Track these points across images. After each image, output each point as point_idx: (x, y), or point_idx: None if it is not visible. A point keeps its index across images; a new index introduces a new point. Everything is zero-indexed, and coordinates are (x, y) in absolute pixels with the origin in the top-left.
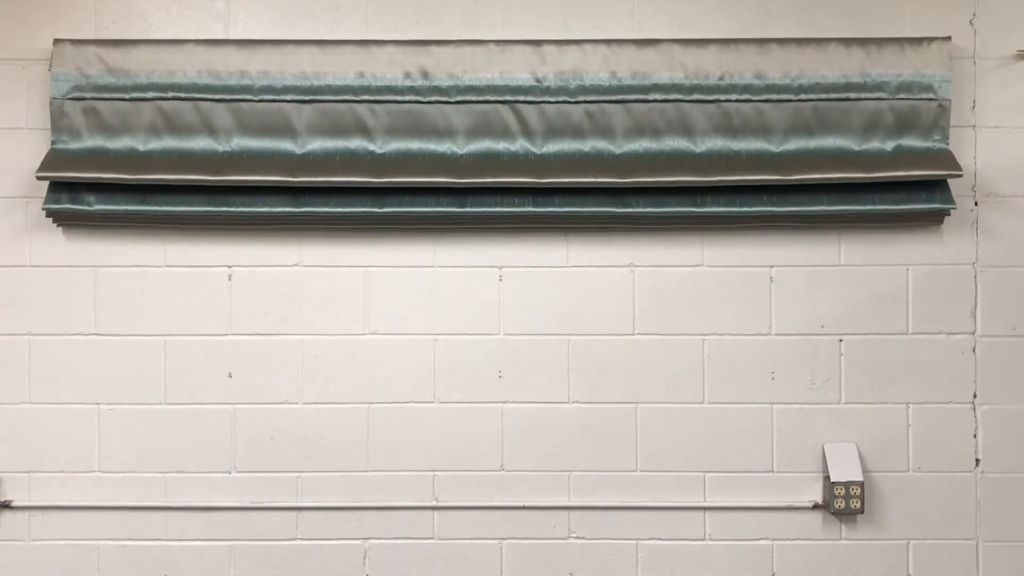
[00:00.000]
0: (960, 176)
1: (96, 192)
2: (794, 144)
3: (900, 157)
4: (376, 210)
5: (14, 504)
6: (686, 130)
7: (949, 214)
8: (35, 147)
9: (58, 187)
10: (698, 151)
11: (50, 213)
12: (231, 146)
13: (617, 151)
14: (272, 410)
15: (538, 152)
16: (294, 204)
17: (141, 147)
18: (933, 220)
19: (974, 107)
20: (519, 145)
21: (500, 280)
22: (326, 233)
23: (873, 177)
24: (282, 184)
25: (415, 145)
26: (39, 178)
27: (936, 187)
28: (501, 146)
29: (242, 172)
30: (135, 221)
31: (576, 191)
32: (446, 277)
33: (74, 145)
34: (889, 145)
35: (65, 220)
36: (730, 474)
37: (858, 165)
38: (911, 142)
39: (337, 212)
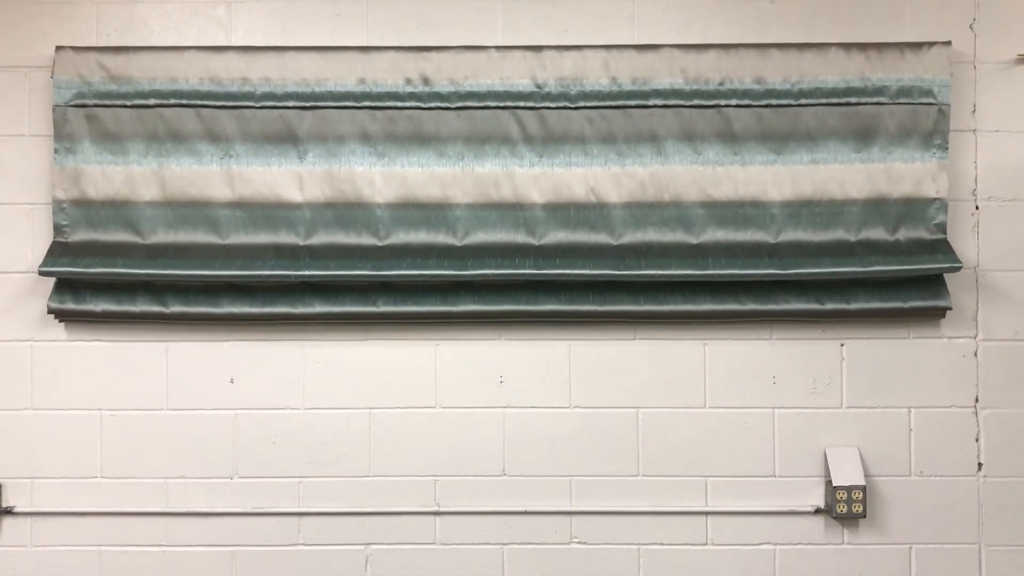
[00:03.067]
0: (944, 202)
1: (99, 294)
2: (794, 150)
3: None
4: (376, 308)
5: (16, 510)
6: (687, 135)
7: (951, 308)
8: (37, 154)
9: (62, 285)
10: (699, 157)
11: (51, 310)
12: (234, 155)
13: (618, 157)
14: (274, 415)
15: (538, 159)
16: (298, 304)
17: (143, 156)
18: (934, 315)
19: (974, 111)
20: (519, 151)
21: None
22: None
23: (872, 200)
24: (285, 208)
25: (415, 151)
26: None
27: (935, 282)
28: (502, 153)
29: (247, 187)
30: (138, 320)
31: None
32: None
33: (75, 158)
34: (888, 151)
35: (68, 319)
36: (732, 479)
37: (857, 172)
38: (911, 148)
39: (343, 311)
